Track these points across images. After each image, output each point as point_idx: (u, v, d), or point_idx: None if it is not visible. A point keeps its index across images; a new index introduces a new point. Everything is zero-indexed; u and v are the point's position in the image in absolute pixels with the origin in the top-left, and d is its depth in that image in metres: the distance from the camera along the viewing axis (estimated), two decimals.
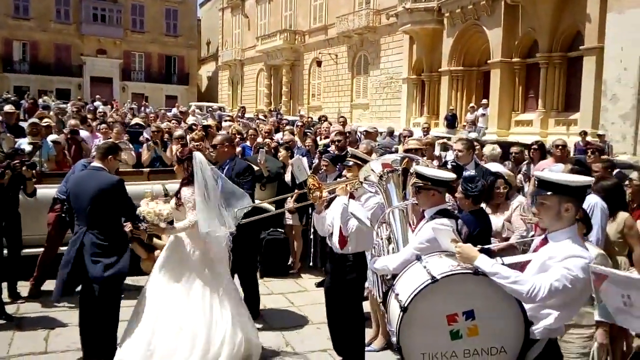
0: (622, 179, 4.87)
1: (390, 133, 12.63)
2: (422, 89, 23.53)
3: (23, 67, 39.58)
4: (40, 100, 20.95)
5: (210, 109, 26.26)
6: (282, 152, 7.48)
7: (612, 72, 14.85)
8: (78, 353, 4.46)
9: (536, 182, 2.71)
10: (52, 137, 7.65)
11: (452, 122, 19.02)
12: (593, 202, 4.12)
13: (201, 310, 4.10)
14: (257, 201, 6.04)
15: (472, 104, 19.66)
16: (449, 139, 9.31)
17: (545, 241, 2.64)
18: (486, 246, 2.69)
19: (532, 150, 7.64)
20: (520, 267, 2.68)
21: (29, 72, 39.22)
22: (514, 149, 8.11)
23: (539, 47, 17.90)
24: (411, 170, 3.51)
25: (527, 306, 2.52)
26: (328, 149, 7.69)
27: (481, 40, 19.94)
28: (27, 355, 4.52)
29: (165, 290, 4.15)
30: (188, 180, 4.27)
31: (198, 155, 4.34)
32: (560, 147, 6.97)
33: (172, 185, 5.03)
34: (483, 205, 4.43)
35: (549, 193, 2.55)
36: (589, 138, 13.71)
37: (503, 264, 2.52)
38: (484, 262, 2.48)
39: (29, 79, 38.64)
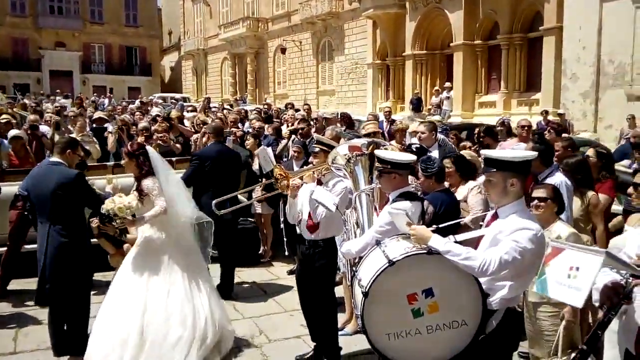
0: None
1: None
2: (387, 73, 23.63)
3: None
4: None
5: (174, 99, 25.85)
6: (250, 141, 7.46)
7: (571, 51, 15.20)
8: (48, 352, 4.43)
9: (483, 161, 2.82)
10: (13, 132, 7.46)
11: (417, 105, 19.20)
12: (559, 181, 4.24)
13: (184, 296, 4.24)
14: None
15: (436, 87, 19.88)
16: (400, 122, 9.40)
17: (495, 216, 2.76)
18: (441, 225, 2.77)
19: (481, 135, 7.72)
20: (475, 242, 2.79)
21: None
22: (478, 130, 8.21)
23: (499, 29, 18.17)
24: None
25: (482, 279, 2.63)
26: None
27: (443, 23, 20.11)
28: None
29: (144, 283, 4.20)
30: (147, 172, 4.32)
31: (150, 149, 4.47)
32: (525, 127, 7.05)
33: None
34: None
35: (493, 170, 2.66)
36: (550, 117, 14.05)
37: (456, 241, 2.62)
38: (436, 242, 2.58)
39: None
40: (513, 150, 4.40)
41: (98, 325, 4.19)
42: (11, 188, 5.67)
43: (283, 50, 30.37)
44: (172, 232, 4.41)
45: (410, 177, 3.66)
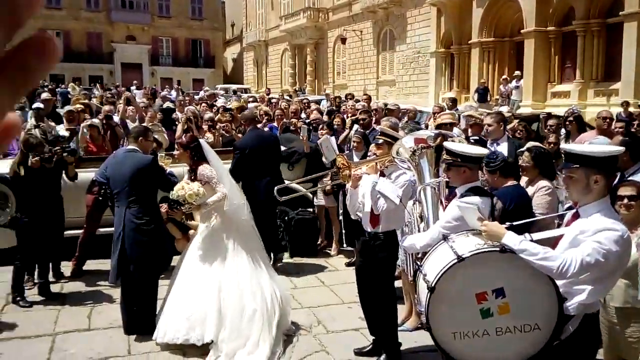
0: None
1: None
2: (452, 62, 22.95)
3: None
4: (69, 88, 21.38)
5: (233, 90, 26.33)
6: (325, 130, 7.21)
7: None
8: (120, 330, 4.66)
9: (563, 155, 2.62)
10: (90, 121, 7.80)
11: (483, 95, 18.56)
12: None
13: (251, 274, 4.45)
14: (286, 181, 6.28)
15: (504, 76, 19.12)
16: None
17: (576, 215, 2.56)
18: (515, 223, 2.60)
19: (567, 122, 7.28)
20: (553, 243, 2.60)
21: (63, 61, 39.73)
22: (550, 122, 7.79)
23: (575, 14, 17.18)
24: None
25: (559, 282, 2.45)
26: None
27: (513, 9, 19.29)
28: (72, 332, 4.71)
29: (216, 264, 4.42)
30: (200, 162, 4.58)
31: (203, 142, 4.79)
32: (606, 119, 6.43)
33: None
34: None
35: (575, 166, 2.47)
36: (631, 109, 13.14)
37: (532, 240, 2.45)
38: (511, 240, 2.42)
39: (63, 67, 39.30)
40: (596, 144, 4.10)
41: (171, 305, 4.38)
42: (88, 174, 6.01)
43: (343, 41, 30.17)
44: (233, 217, 4.62)
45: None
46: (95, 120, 7.88)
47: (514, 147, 5.36)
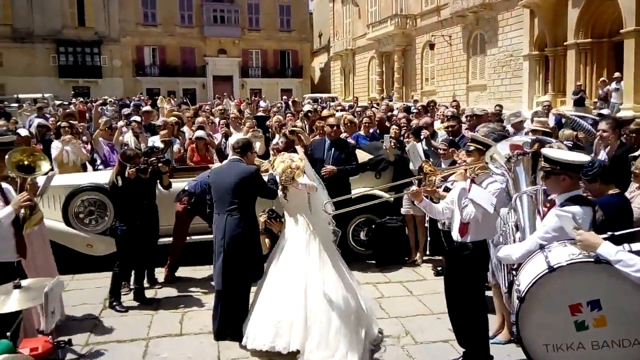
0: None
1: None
2: (546, 65, 21.99)
3: (153, 70, 42.63)
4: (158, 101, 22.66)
5: (321, 99, 26.68)
6: (411, 138, 7.23)
7: None
8: (210, 336, 4.80)
9: None
10: (199, 133, 8.28)
11: (580, 98, 17.58)
12: None
13: (338, 284, 4.47)
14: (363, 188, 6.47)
15: (603, 78, 18.02)
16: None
17: None
18: (616, 233, 2.47)
19: None
20: None
21: (158, 75, 42.32)
22: None
23: None
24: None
25: None
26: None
27: (611, 8, 18.14)
28: (165, 337, 4.87)
29: (302, 272, 4.46)
30: None
31: (299, 148, 4.98)
32: None
33: None
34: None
35: None
36: None
37: (631, 250, 2.32)
38: (607, 250, 2.33)
39: (159, 81, 41.78)
40: None
41: (258, 312, 4.48)
42: (181, 184, 6.28)
43: (432, 46, 29.76)
44: (319, 227, 4.66)
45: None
46: (202, 132, 8.34)
47: (623, 151, 5.05)
